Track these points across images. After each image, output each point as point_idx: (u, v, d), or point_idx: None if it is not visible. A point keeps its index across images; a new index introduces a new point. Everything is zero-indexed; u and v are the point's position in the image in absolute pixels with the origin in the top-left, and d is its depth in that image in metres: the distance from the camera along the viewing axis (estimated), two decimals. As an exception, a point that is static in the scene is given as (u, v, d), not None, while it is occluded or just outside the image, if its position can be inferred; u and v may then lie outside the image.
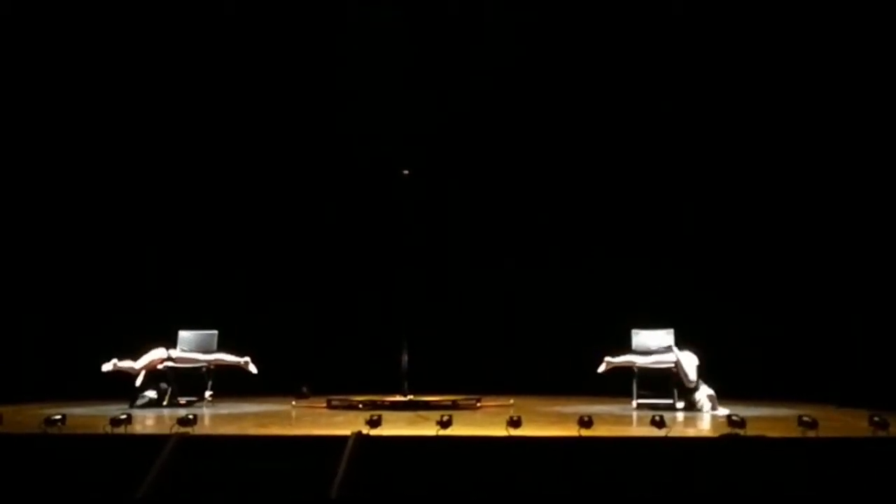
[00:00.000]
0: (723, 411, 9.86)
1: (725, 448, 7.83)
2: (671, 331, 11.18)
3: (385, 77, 13.04)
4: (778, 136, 12.38)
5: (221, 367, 11.37)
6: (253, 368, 11.28)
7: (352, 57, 13.06)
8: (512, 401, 11.21)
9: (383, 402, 10.62)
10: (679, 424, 9.27)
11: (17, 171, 12.49)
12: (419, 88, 12.99)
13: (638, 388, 10.91)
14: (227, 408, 10.96)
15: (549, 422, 9.26)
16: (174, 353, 11.24)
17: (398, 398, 10.81)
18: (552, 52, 13.02)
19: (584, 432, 7.99)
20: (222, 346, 11.48)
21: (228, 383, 11.40)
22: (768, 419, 9.42)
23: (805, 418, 8.09)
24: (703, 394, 10.42)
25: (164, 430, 8.08)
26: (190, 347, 11.46)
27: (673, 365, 10.75)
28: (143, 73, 12.79)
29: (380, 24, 13.08)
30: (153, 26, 12.72)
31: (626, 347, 11.20)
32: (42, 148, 12.60)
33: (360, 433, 7.89)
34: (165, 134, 12.91)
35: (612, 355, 10.96)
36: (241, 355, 11.35)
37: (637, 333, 11.29)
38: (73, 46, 12.57)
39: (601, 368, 10.96)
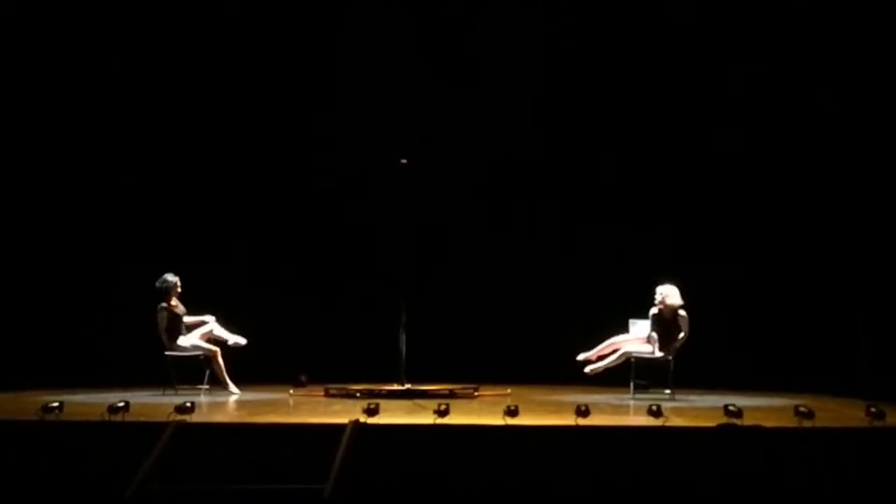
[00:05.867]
0: None
1: (722, 438, 7.85)
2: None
3: (384, 67, 13.01)
4: (783, 130, 12.39)
5: (213, 343, 11.34)
6: (240, 340, 11.23)
7: (351, 47, 13.04)
8: (509, 390, 11.21)
9: (381, 390, 10.62)
10: (676, 414, 9.27)
11: (18, 162, 12.49)
12: (417, 80, 12.96)
13: (635, 377, 10.94)
14: (225, 396, 10.99)
15: (547, 411, 9.28)
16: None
17: (396, 387, 10.82)
18: (548, 49, 13.00)
19: (581, 421, 8.01)
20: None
21: (227, 371, 11.37)
22: (765, 409, 9.44)
23: (802, 408, 8.11)
24: None
25: (162, 418, 8.10)
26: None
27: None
28: (139, 66, 12.77)
29: (378, 18, 13.07)
30: (149, 18, 12.71)
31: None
32: (41, 137, 12.60)
33: (357, 421, 7.90)
34: (165, 125, 12.88)
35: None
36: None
37: (634, 323, 11.29)
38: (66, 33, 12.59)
39: (588, 369, 11.07)
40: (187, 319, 11.33)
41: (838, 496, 7.59)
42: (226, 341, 11.23)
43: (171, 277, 11.24)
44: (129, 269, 12.41)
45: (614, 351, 11.04)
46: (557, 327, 12.38)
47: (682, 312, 10.81)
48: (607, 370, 11.05)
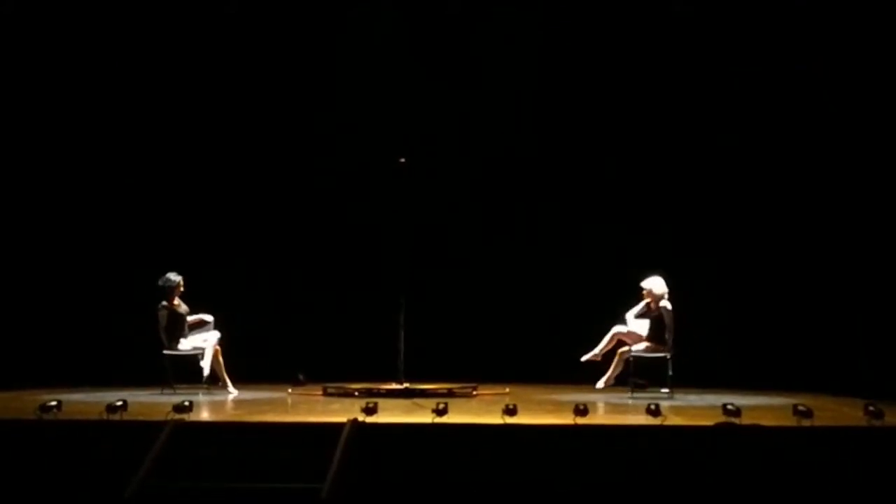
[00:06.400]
0: None
1: (721, 437, 7.85)
2: (667, 319, 11.20)
3: (384, 67, 13.01)
4: (783, 130, 12.40)
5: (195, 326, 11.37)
6: (206, 370, 11.14)
7: (351, 47, 13.05)
8: (508, 389, 11.21)
9: (379, 389, 10.62)
10: (674, 413, 9.27)
11: (20, 161, 12.50)
12: (417, 80, 12.97)
13: (634, 376, 10.94)
14: (223, 395, 10.99)
15: (545, 410, 9.28)
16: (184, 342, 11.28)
17: (394, 386, 10.82)
18: (548, 49, 13.00)
19: (580, 420, 8.00)
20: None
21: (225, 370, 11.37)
22: (763, 408, 9.44)
23: (800, 407, 8.10)
24: None
25: (161, 417, 8.09)
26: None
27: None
28: (141, 66, 12.79)
29: (378, 18, 13.08)
30: (151, 18, 12.73)
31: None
32: (44, 137, 12.61)
33: (355, 421, 7.90)
34: (165, 125, 12.89)
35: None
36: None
37: (632, 321, 11.30)
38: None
39: (600, 384, 11.10)
40: (188, 318, 11.34)
41: (837, 495, 7.58)
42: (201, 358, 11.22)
43: (173, 276, 11.24)
44: (128, 268, 12.41)
45: (617, 344, 11.06)
46: (556, 327, 12.40)
47: (663, 303, 10.83)
48: (616, 378, 11.08)
